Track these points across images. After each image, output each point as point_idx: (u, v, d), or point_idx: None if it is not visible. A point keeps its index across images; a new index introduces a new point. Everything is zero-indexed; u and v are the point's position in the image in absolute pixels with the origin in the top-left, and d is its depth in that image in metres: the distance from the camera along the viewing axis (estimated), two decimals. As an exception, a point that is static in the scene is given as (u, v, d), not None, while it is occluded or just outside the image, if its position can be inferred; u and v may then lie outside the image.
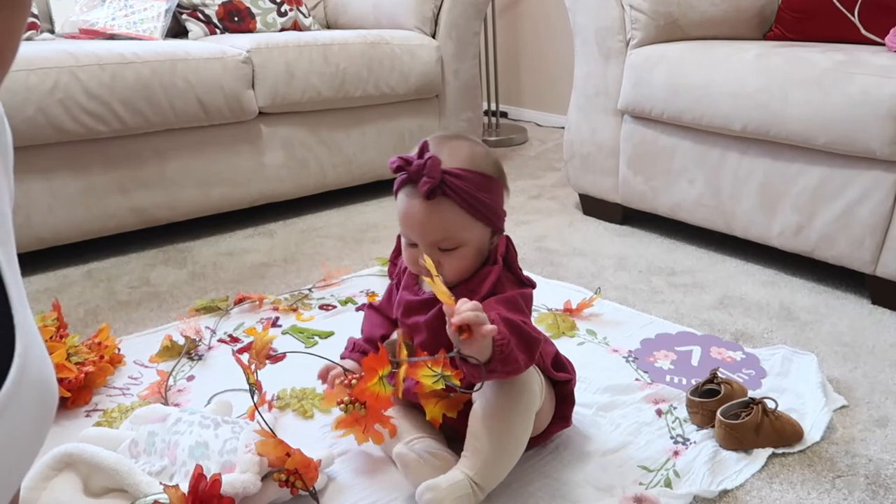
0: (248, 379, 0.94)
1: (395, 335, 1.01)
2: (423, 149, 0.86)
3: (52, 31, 2.01)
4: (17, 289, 0.46)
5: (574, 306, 1.44)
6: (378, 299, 1.14)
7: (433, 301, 0.90)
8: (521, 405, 0.88)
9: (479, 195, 0.86)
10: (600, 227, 1.98)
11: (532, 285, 0.92)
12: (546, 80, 3.47)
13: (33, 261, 1.70)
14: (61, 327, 1.18)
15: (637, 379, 1.19)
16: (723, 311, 1.45)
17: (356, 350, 1.04)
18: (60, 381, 1.07)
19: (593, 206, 2.05)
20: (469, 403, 0.90)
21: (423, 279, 0.93)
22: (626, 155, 1.88)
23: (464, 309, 0.75)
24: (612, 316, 1.43)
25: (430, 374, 0.82)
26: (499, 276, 0.89)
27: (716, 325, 1.39)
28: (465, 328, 0.75)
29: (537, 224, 2.02)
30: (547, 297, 1.50)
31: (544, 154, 2.90)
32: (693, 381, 1.15)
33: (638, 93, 1.78)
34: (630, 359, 1.27)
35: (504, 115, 3.71)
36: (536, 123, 3.53)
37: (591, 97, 1.94)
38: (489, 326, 0.75)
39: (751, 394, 1.10)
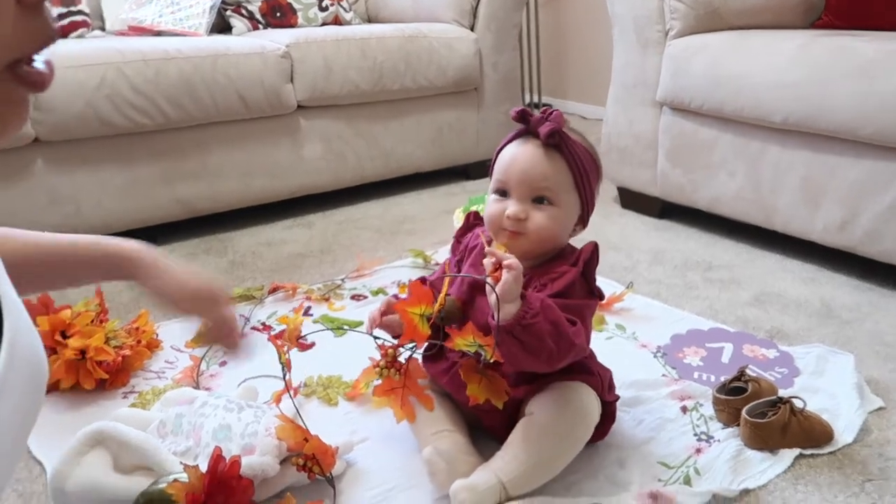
0: (280, 358, 0.97)
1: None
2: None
3: (102, 29, 2.09)
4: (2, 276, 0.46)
5: (604, 300, 1.42)
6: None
7: None
8: (577, 432, 0.89)
9: (587, 167, 0.89)
10: (637, 221, 1.95)
11: (601, 297, 0.92)
12: (590, 72, 3.42)
13: (83, 249, 1.77)
14: (102, 312, 1.24)
15: (664, 375, 1.18)
16: (759, 308, 1.42)
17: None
18: (99, 363, 1.12)
19: (631, 200, 2.02)
20: (507, 409, 0.89)
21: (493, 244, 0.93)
22: (664, 147, 1.85)
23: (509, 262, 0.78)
24: (644, 311, 1.41)
25: (466, 340, 0.82)
26: (574, 279, 0.87)
27: (751, 322, 1.36)
28: (498, 266, 0.78)
29: (573, 217, 2.00)
30: (577, 290, 1.49)
31: (586, 147, 2.86)
32: (721, 379, 1.13)
33: (677, 84, 1.74)
34: (658, 354, 1.25)
35: (546, 107, 3.69)
36: (581, 116, 3.49)
37: (629, 88, 1.91)
38: (515, 264, 0.78)
39: (782, 393, 1.07)
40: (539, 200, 0.88)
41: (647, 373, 1.18)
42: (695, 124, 1.76)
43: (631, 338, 1.31)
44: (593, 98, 3.42)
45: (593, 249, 0.90)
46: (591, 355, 1.01)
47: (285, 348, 0.96)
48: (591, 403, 0.91)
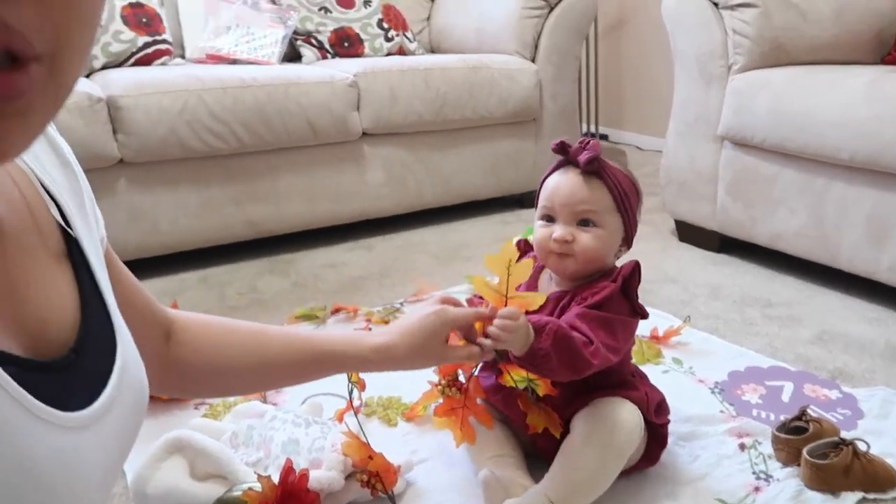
0: (350, 377, 1.03)
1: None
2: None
3: (182, 56, 2.22)
4: (113, 302, 0.51)
5: (661, 334, 1.43)
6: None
7: (558, 298, 0.95)
8: (618, 445, 0.91)
9: (627, 191, 0.94)
10: (695, 255, 1.94)
11: (643, 316, 0.95)
12: (648, 104, 3.42)
13: (156, 265, 1.87)
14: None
15: (722, 411, 1.17)
16: (821, 347, 1.40)
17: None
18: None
19: (689, 233, 2.02)
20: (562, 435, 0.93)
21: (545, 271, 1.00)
22: (724, 182, 1.84)
23: (501, 314, 0.81)
24: (701, 346, 1.41)
25: (518, 375, 0.86)
26: (612, 293, 0.91)
27: (812, 362, 1.34)
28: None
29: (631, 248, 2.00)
30: (634, 322, 1.50)
31: (643, 178, 2.83)
32: (781, 418, 1.12)
33: (739, 119, 1.74)
34: (716, 390, 1.25)
35: (604, 137, 3.69)
36: (637, 147, 3.49)
37: (690, 122, 1.92)
38: (508, 326, 0.80)
39: (844, 435, 1.06)
40: (584, 223, 0.93)
41: (704, 408, 1.18)
42: (756, 159, 1.75)
43: (688, 372, 1.31)
44: (650, 129, 3.42)
45: (634, 267, 0.93)
46: (642, 376, 1.05)
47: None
48: (629, 415, 0.93)
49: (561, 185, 0.94)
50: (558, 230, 0.93)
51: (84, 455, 0.43)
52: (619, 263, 0.97)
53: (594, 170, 0.92)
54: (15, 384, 0.38)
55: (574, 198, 0.93)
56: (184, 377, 0.70)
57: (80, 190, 0.53)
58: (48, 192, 0.48)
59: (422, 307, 0.83)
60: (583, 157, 0.92)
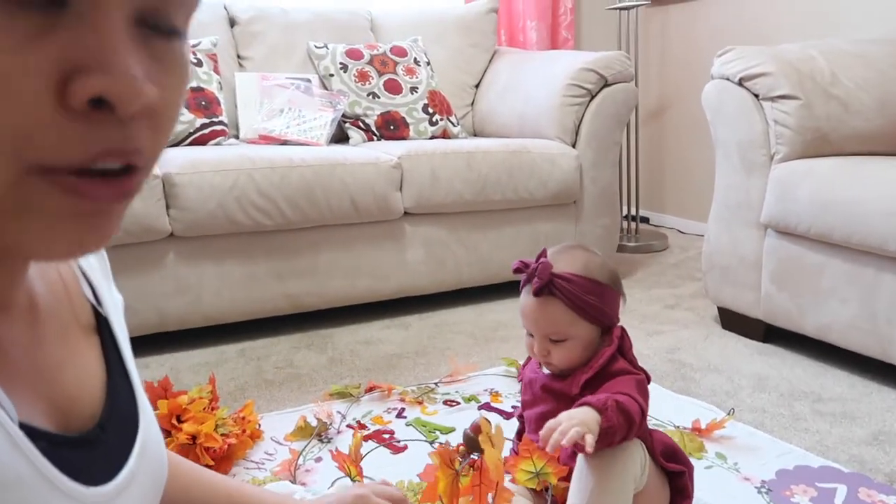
0: (350, 475, 1.04)
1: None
2: (540, 255, 1.01)
3: (237, 137, 2.32)
4: (138, 380, 0.53)
5: (703, 426, 1.37)
6: (501, 399, 1.18)
7: (557, 380, 1.03)
8: (616, 481, 0.90)
9: (585, 297, 0.98)
10: (739, 344, 1.89)
11: (647, 376, 0.99)
12: (690, 188, 3.42)
13: (196, 336, 1.90)
14: (214, 400, 1.31)
15: (769, 513, 1.11)
16: (877, 448, 1.32)
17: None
18: (206, 449, 1.18)
19: (733, 321, 1.97)
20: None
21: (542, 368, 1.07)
22: (769, 270, 1.81)
23: (563, 428, 0.83)
24: (746, 441, 1.35)
25: (526, 471, 0.85)
26: (612, 356, 0.98)
27: (867, 464, 1.27)
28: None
29: (671, 335, 1.96)
30: (674, 413, 1.45)
31: (684, 262, 2.83)
32: (834, 524, 1.06)
33: (782, 208, 1.73)
34: (763, 490, 1.18)
35: (645, 220, 3.69)
36: (679, 230, 3.46)
37: (732, 209, 1.91)
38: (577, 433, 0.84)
39: (904, 546, 0.99)
40: (554, 340, 1.00)
41: (750, 509, 1.12)
42: (801, 248, 1.72)
43: (732, 469, 1.25)
44: (691, 213, 3.40)
45: (622, 331, 1.01)
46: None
47: (346, 467, 1.07)
48: (635, 452, 0.92)
49: (525, 309, 1.02)
50: (536, 346, 1.02)
51: None
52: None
53: (548, 293, 0.97)
54: (44, 459, 0.39)
55: (537, 323, 1.00)
56: None
57: (107, 265, 0.56)
58: (80, 268, 0.51)
59: (349, 489, 0.82)
60: (533, 286, 0.98)
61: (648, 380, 0.99)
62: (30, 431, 0.39)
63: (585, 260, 1.01)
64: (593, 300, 0.98)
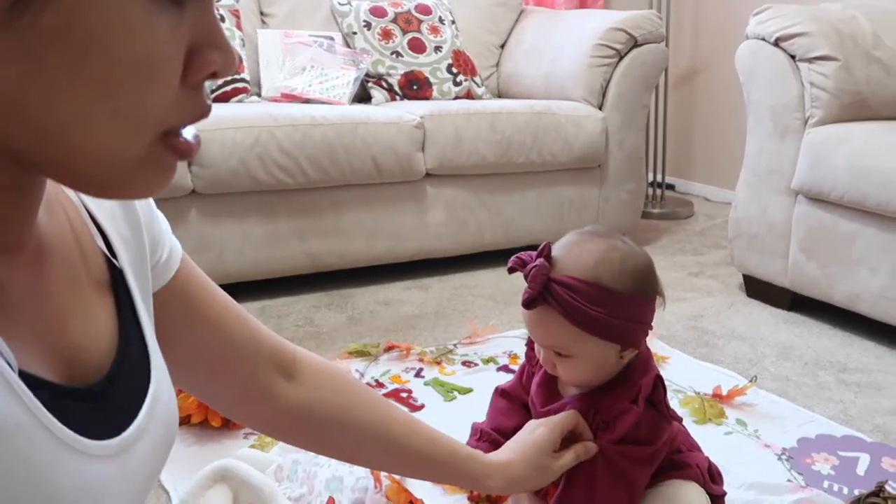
0: None
1: None
2: (541, 252, 0.82)
3: (258, 95, 2.31)
4: (151, 334, 0.52)
5: (725, 392, 1.36)
6: (519, 362, 1.15)
7: (581, 408, 0.87)
8: None
9: (589, 309, 0.78)
10: (764, 312, 1.86)
11: (678, 419, 0.92)
12: (718, 155, 3.35)
13: (220, 293, 1.91)
14: (234, 355, 1.32)
15: (789, 480, 1.10)
16: (902, 419, 1.30)
17: (482, 439, 0.95)
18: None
19: (758, 289, 1.94)
20: None
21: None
22: (798, 237, 1.77)
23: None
24: (768, 408, 1.33)
25: None
26: (637, 420, 0.82)
27: (891, 433, 1.25)
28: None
29: (695, 302, 1.94)
30: (696, 379, 1.43)
31: (710, 230, 2.78)
32: (856, 492, 1.04)
33: (816, 174, 1.68)
34: (784, 457, 1.17)
35: (671, 187, 3.62)
36: (705, 198, 3.40)
37: (762, 175, 1.86)
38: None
39: (927, 517, 0.97)
40: (558, 353, 0.84)
41: (769, 475, 1.11)
42: (833, 216, 1.67)
43: (753, 436, 1.24)
44: (719, 181, 3.34)
45: (655, 382, 0.84)
46: (681, 449, 0.94)
47: None
48: (696, 499, 0.87)
49: (523, 316, 0.84)
50: (541, 356, 0.86)
51: (110, 484, 0.43)
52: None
53: (543, 303, 0.79)
54: (45, 410, 0.38)
55: (535, 334, 0.85)
56: (306, 422, 0.70)
57: (138, 219, 0.54)
58: (95, 221, 0.50)
59: (526, 426, 0.84)
60: (523, 296, 0.80)
61: (679, 420, 0.91)
62: (30, 380, 0.38)
63: (600, 256, 0.80)
64: (600, 312, 0.78)
